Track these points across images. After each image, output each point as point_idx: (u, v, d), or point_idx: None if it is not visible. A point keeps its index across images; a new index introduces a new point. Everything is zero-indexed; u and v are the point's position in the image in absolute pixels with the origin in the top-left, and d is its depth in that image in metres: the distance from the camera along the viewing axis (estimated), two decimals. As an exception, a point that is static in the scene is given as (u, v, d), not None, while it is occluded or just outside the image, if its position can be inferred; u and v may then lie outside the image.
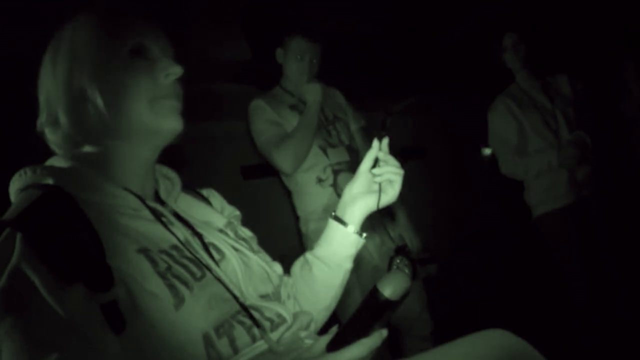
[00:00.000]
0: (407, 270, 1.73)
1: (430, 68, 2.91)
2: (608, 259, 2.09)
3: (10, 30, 1.70)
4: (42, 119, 0.79)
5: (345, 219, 0.92)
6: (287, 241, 2.09)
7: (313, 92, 1.77)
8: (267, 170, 2.02)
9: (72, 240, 0.64)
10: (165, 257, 0.72)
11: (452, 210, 3.38)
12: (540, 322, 2.25)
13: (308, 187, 1.82)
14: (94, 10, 0.79)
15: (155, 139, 0.80)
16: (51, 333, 0.57)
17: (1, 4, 1.62)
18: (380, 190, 0.90)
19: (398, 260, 1.75)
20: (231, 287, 0.77)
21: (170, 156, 0.87)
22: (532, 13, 2.39)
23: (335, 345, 0.69)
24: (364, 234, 0.93)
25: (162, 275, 0.69)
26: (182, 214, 0.85)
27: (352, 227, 0.91)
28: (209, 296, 0.73)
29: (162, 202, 0.85)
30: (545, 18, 2.45)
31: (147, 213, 0.77)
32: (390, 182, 0.90)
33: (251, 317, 0.76)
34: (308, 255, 0.96)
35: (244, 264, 0.84)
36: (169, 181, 0.91)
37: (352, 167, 1.76)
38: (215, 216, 0.92)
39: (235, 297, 0.77)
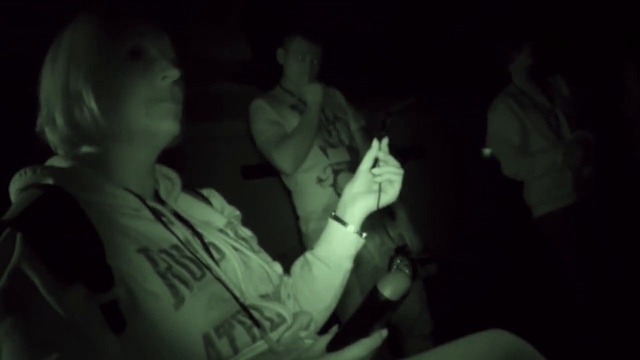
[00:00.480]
0: (407, 270, 1.73)
1: (430, 68, 2.91)
2: (608, 259, 2.09)
3: (10, 30, 1.70)
4: (42, 117, 0.79)
5: (345, 218, 0.92)
6: (287, 241, 2.09)
7: (314, 93, 1.77)
8: (267, 170, 2.02)
9: (72, 240, 0.64)
10: (165, 256, 0.72)
11: (452, 210, 3.38)
12: (540, 322, 2.25)
13: (308, 187, 1.82)
14: (94, 10, 0.79)
15: (153, 141, 0.80)
16: (51, 333, 0.57)
17: (1, 4, 1.62)
18: (380, 190, 0.90)
19: (398, 260, 1.75)
20: (231, 286, 0.77)
21: (170, 156, 0.87)
22: (532, 13, 2.39)
23: (335, 345, 0.69)
24: (364, 234, 0.93)
25: (162, 275, 0.69)
26: (182, 214, 0.85)
27: (352, 227, 0.91)
28: (209, 296, 0.73)
29: (162, 202, 0.85)
30: (545, 18, 2.45)
31: (147, 213, 0.77)
32: (390, 181, 0.90)
33: (251, 317, 0.76)
34: (308, 255, 0.96)
35: (244, 264, 0.84)
36: (169, 181, 0.91)
37: (352, 167, 1.76)
38: (216, 216, 0.92)
39: (235, 297, 0.77)
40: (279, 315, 0.81)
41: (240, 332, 0.73)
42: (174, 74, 0.78)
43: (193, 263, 0.75)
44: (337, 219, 0.92)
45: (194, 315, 0.69)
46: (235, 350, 0.71)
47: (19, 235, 0.62)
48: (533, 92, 2.18)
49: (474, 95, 2.66)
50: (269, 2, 2.20)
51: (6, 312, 0.58)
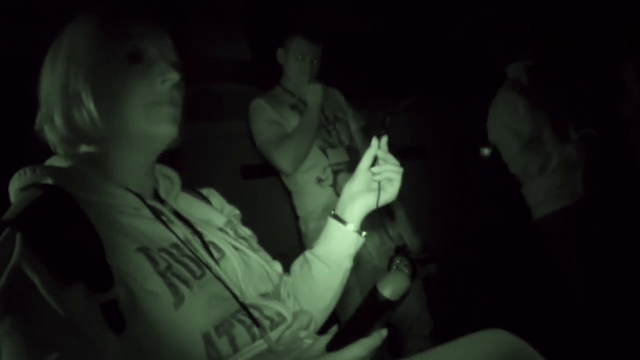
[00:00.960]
0: (407, 271, 1.73)
1: (430, 68, 2.91)
2: (608, 259, 2.09)
3: (10, 30, 1.70)
4: (41, 116, 0.79)
5: (345, 217, 0.91)
6: (287, 241, 2.09)
7: (314, 93, 1.77)
8: (267, 170, 2.02)
9: (72, 240, 0.64)
10: (165, 255, 0.72)
11: (452, 210, 3.38)
12: (540, 322, 2.25)
13: (308, 188, 1.82)
14: (95, 10, 0.79)
15: (152, 144, 0.80)
16: (51, 333, 0.57)
17: (1, 4, 1.62)
18: (380, 189, 0.90)
19: (398, 261, 1.75)
20: (231, 286, 0.77)
21: (170, 156, 0.87)
22: (532, 13, 2.39)
23: (335, 345, 0.69)
24: (364, 233, 0.93)
25: (162, 275, 0.69)
26: (183, 213, 0.85)
27: (352, 226, 0.91)
28: (209, 295, 0.73)
29: (162, 202, 0.85)
30: (545, 18, 2.45)
31: (147, 212, 0.77)
32: (390, 180, 0.89)
33: (251, 316, 0.76)
34: (308, 254, 0.96)
35: (244, 263, 0.84)
36: (169, 181, 0.91)
37: (352, 167, 1.75)
38: (216, 215, 0.92)
39: (235, 296, 0.77)
40: (279, 314, 0.81)
41: (240, 332, 0.73)
42: (174, 77, 0.77)
43: (193, 262, 0.75)
44: (337, 218, 0.92)
45: (194, 314, 0.69)
46: (236, 350, 0.71)
47: (19, 235, 0.62)
48: (533, 91, 2.18)
49: (474, 95, 2.65)
50: (269, 2, 2.20)
51: (6, 312, 0.58)
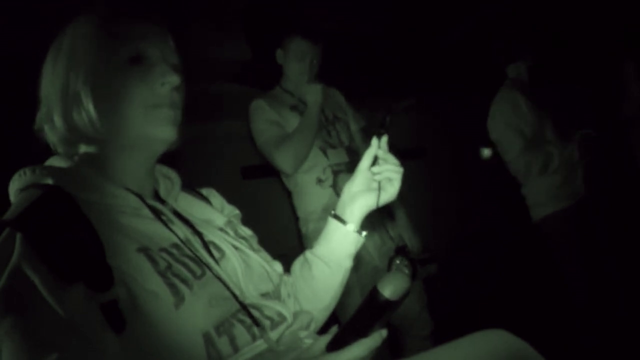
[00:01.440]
0: (407, 271, 1.73)
1: (430, 68, 2.92)
2: (608, 259, 2.09)
3: (10, 30, 1.70)
4: (41, 115, 0.79)
5: (345, 217, 0.91)
6: (287, 241, 2.09)
7: (314, 93, 1.77)
8: (267, 170, 2.02)
9: (72, 240, 0.64)
10: (165, 255, 0.72)
11: (452, 210, 3.38)
12: (540, 322, 2.25)
13: (308, 188, 1.82)
14: (95, 10, 0.79)
15: (151, 146, 0.80)
16: (51, 333, 0.57)
17: (1, 4, 1.63)
18: (379, 188, 0.89)
19: (398, 261, 1.75)
20: (231, 285, 0.77)
21: (170, 156, 0.87)
22: (532, 13, 2.39)
23: (335, 345, 0.69)
24: (364, 233, 0.92)
25: (162, 274, 0.69)
26: (183, 213, 0.85)
27: (352, 226, 0.91)
28: (209, 295, 0.73)
29: (162, 201, 0.85)
30: (545, 18, 2.45)
31: (147, 212, 0.77)
32: (390, 180, 0.89)
33: (251, 315, 0.76)
34: (308, 254, 0.96)
35: (244, 263, 0.84)
36: (169, 180, 0.91)
37: (352, 168, 1.73)
38: (215, 215, 0.92)
39: (235, 296, 0.77)
40: (279, 314, 0.81)
41: (240, 331, 0.73)
42: (174, 80, 0.77)
43: (193, 262, 0.75)
44: (337, 217, 0.92)
45: (194, 314, 0.69)
46: (236, 349, 0.71)
47: (19, 235, 0.62)
48: (533, 91, 2.18)
49: (474, 95, 2.65)
50: (269, 2, 2.20)
51: (6, 312, 0.58)
